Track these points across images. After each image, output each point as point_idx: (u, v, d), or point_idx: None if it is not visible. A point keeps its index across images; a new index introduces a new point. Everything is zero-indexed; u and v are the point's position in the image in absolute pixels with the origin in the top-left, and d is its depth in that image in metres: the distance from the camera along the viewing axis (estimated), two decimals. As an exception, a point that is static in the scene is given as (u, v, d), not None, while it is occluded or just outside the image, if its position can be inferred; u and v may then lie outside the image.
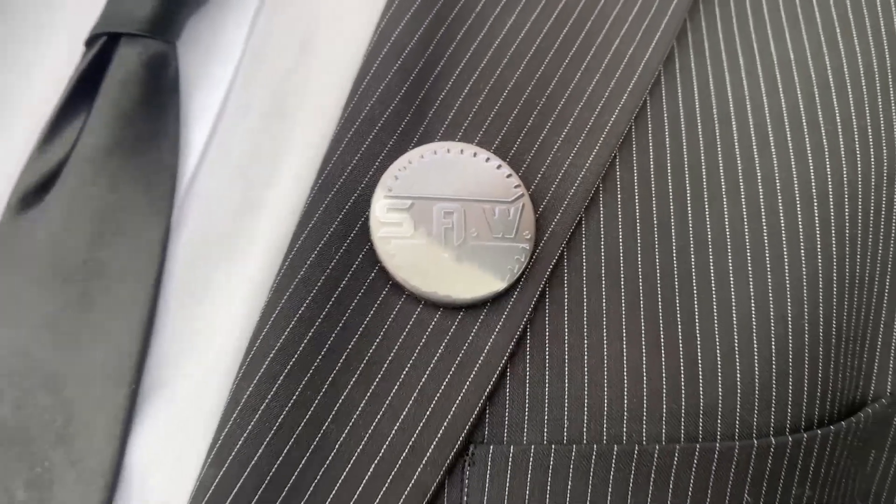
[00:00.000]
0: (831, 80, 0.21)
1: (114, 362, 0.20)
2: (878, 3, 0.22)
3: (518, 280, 0.19)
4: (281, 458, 0.18)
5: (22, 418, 0.20)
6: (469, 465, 0.18)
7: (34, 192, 0.21)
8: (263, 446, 0.18)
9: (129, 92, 0.21)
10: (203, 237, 0.21)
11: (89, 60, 0.21)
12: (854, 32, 0.22)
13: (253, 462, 0.18)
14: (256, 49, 0.24)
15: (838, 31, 0.22)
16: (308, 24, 0.24)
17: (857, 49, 0.22)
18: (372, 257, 0.19)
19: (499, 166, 0.20)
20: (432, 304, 0.19)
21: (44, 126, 0.21)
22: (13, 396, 0.20)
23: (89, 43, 0.22)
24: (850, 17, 0.22)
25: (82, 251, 0.20)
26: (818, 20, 0.22)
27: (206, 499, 0.18)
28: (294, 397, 0.18)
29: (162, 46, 0.22)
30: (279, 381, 0.18)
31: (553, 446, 0.18)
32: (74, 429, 0.20)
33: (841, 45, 0.21)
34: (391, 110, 0.20)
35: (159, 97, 0.22)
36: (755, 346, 0.19)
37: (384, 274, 0.19)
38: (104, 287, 0.20)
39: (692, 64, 0.22)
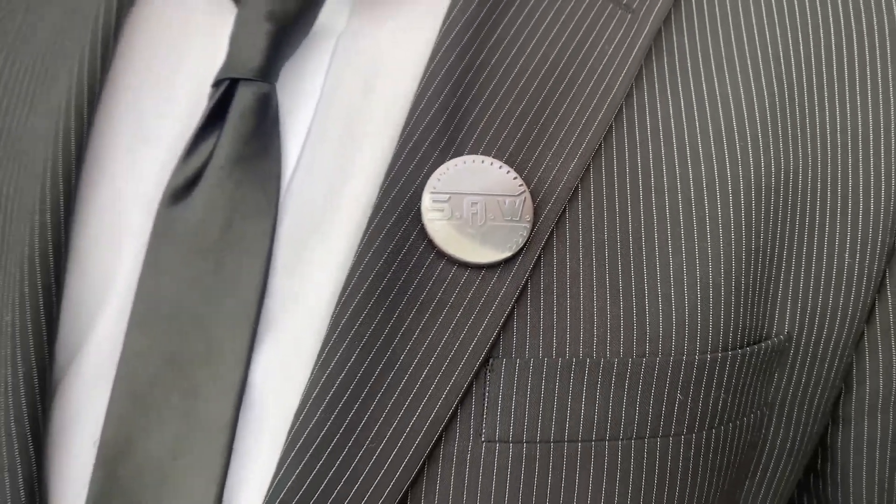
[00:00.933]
0: (744, 106, 0.29)
1: (240, 309, 0.28)
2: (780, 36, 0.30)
3: (521, 249, 0.28)
4: (364, 367, 0.26)
5: (179, 347, 0.28)
6: (490, 371, 0.26)
7: (182, 190, 0.29)
8: (352, 360, 0.26)
9: (247, 120, 0.30)
10: (299, 224, 0.30)
11: (217, 97, 0.30)
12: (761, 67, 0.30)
13: (346, 368, 0.26)
14: (330, 89, 0.32)
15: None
16: (368, 70, 0.32)
17: (763, 82, 0.30)
18: (423, 234, 0.27)
19: (508, 172, 0.28)
20: (463, 265, 0.27)
21: (187, 142, 0.30)
22: (172, 331, 0.28)
23: (216, 84, 0.31)
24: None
25: (216, 232, 0.29)
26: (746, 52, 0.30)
27: (314, 394, 0.26)
28: (372, 326, 0.26)
29: (267, 87, 0.31)
30: (362, 316, 0.26)
31: (546, 359, 0.26)
32: (214, 355, 0.28)
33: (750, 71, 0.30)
34: (435, 132, 0.28)
35: (266, 124, 0.30)
36: (686, 296, 0.27)
37: (431, 245, 0.27)
38: (232, 257, 0.29)
39: (646, 99, 0.30)
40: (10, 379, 0.27)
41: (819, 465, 0.32)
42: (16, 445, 0.26)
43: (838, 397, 0.31)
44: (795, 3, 0.31)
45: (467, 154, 0.28)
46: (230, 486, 0.27)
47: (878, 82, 0.30)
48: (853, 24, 0.30)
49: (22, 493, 0.26)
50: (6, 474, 0.26)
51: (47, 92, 0.32)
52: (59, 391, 0.29)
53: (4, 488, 0.26)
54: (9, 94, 0.33)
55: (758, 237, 0.28)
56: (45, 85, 0.32)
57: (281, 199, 0.30)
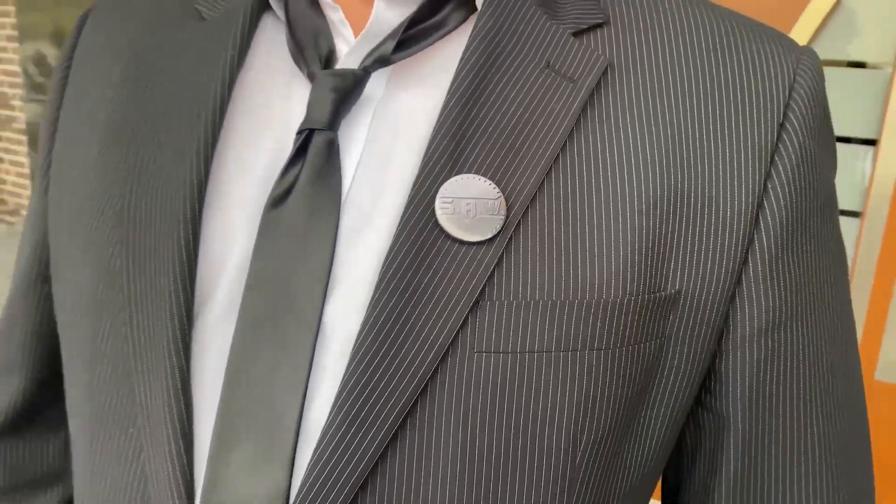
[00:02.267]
0: (647, 143, 0.43)
1: (317, 274, 0.42)
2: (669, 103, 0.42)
3: (498, 233, 0.39)
4: (399, 307, 0.37)
5: (277, 300, 0.42)
6: (479, 308, 0.39)
7: (278, 200, 0.42)
8: (391, 304, 0.33)
9: (320, 155, 0.43)
10: (353, 220, 0.42)
11: (301, 140, 0.44)
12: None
13: (387, 309, 0.35)
14: (372, 135, 0.45)
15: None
16: (397, 122, 0.45)
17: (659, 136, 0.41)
18: (436, 224, 0.39)
19: (490, 184, 0.41)
20: (462, 242, 0.40)
21: (281, 168, 0.43)
22: (273, 289, 0.42)
23: (300, 132, 0.43)
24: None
25: (302, 226, 0.43)
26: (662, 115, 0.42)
27: (367, 327, 0.37)
28: (405, 281, 0.38)
29: (332, 134, 0.44)
30: (398, 275, 0.39)
31: (516, 300, 0.40)
32: (299, 304, 0.41)
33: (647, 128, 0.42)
34: (442, 162, 0.40)
35: (332, 158, 0.44)
36: (611, 262, 0.40)
37: (441, 230, 0.39)
38: (312, 242, 0.43)
39: (583, 138, 0.42)
40: (168, 318, 0.41)
41: (710, 384, 0.44)
42: (174, 358, 0.39)
43: (721, 336, 0.43)
44: (679, 85, 0.42)
45: (464, 173, 0.41)
46: (310, 392, 0.40)
47: (728, 133, 0.41)
48: (716, 94, 0.42)
49: (178, 389, 0.40)
50: (168, 379, 0.40)
51: (177, 131, 0.44)
52: (194, 331, 0.41)
53: (168, 387, 0.40)
54: (142, 130, 0.45)
55: (656, 226, 0.41)
56: (173, 126, 0.44)
57: (342, 205, 0.44)
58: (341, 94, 0.42)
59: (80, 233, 0.45)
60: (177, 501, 0.37)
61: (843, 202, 1.61)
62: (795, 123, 0.41)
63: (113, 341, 0.42)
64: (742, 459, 0.44)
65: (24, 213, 4.83)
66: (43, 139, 0.51)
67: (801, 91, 0.41)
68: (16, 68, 4.51)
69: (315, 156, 0.41)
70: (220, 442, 0.38)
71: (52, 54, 2.97)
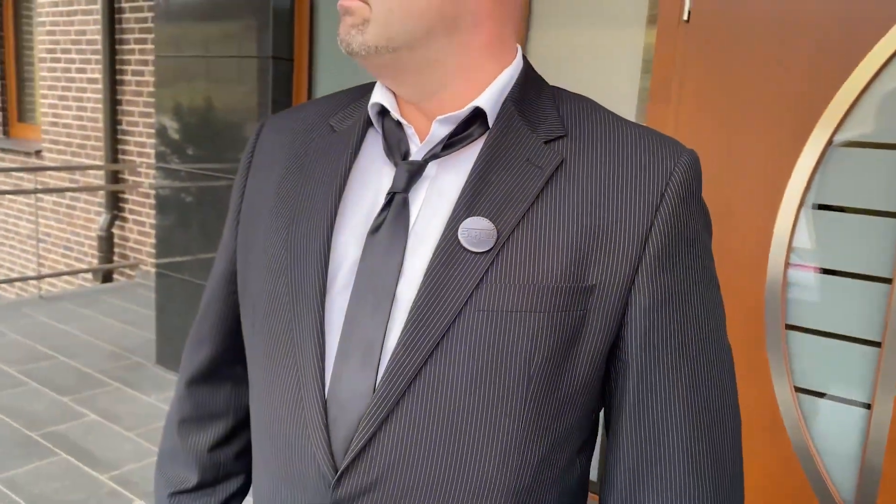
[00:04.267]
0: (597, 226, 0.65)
1: (393, 268, 0.63)
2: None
3: (491, 248, 0.61)
4: (437, 284, 0.61)
5: (373, 283, 0.64)
6: (483, 283, 0.61)
7: (375, 229, 0.65)
8: (433, 284, 0.64)
9: (399, 206, 0.65)
10: (414, 241, 0.64)
11: (388, 198, 0.66)
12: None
13: (428, 287, 0.62)
14: (427, 195, 0.66)
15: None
16: (440, 187, 0.66)
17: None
18: (458, 242, 0.61)
19: (488, 222, 0.62)
20: (471, 252, 0.61)
21: (377, 213, 0.68)
22: (370, 278, 0.64)
23: (389, 194, 0.66)
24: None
25: (386, 244, 0.64)
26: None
27: (420, 298, 0.69)
28: (441, 272, 0.62)
29: (406, 195, 0.65)
30: (438, 269, 0.62)
31: (506, 281, 0.62)
32: (383, 283, 0.64)
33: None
34: (464, 208, 0.63)
35: (404, 208, 0.65)
36: (560, 269, 0.66)
37: (461, 246, 0.61)
38: (392, 252, 0.64)
39: (545, 196, 0.63)
40: (313, 293, 0.66)
41: (618, 342, 0.66)
42: (316, 314, 0.65)
43: (624, 311, 0.65)
44: (604, 171, 0.65)
45: (475, 216, 0.64)
46: (387, 331, 0.63)
47: (631, 198, 0.64)
48: (626, 176, 0.65)
49: (319, 330, 0.66)
50: (314, 326, 0.65)
51: (320, 192, 0.70)
52: (326, 299, 0.67)
53: (313, 330, 0.65)
54: (299, 192, 0.72)
55: (583, 247, 0.62)
56: (318, 190, 0.70)
57: (409, 233, 0.66)
58: (412, 173, 0.68)
59: (261, 247, 0.74)
60: (317, 391, 0.67)
61: (873, 268, 1.80)
62: (670, 195, 0.66)
63: (280, 309, 0.72)
64: (636, 393, 0.67)
65: (143, 267, 5.39)
66: (234, 201, 0.82)
67: (676, 177, 0.66)
68: (144, 140, 5.15)
69: (395, 206, 0.68)
70: (340, 357, 0.66)
71: (173, 127, 3.43)
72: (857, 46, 1.84)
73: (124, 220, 5.46)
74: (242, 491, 0.91)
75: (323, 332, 0.67)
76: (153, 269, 5.24)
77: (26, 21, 6.28)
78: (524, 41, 2.47)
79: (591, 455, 0.75)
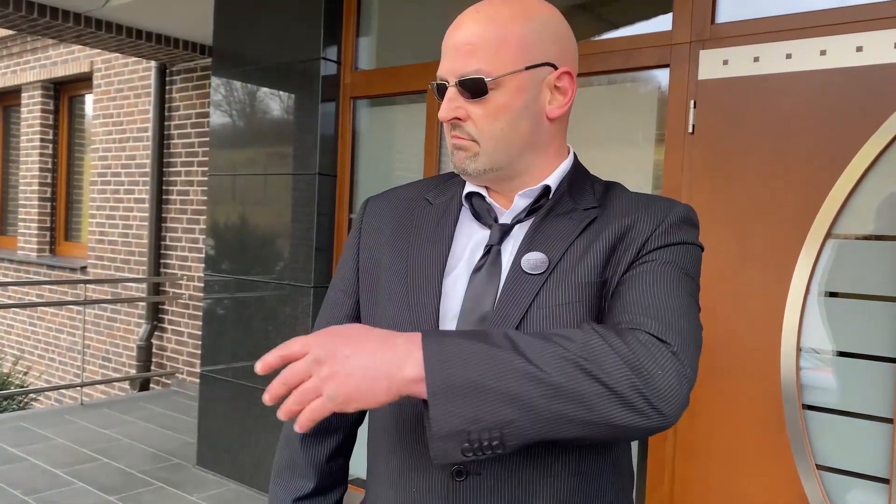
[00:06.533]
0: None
1: (491, 295, 0.94)
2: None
3: (544, 271, 0.93)
4: (513, 296, 0.94)
5: (476, 309, 0.94)
6: (537, 297, 0.92)
7: (476, 270, 0.95)
8: (509, 294, 0.93)
9: (494, 255, 0.95)
10: (504, 278, 0.95)
11: (487, 248, 0.97)
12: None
13: (509, 298, 0.93)
14: (511, 247, 0.96)
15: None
16: (519, 239, 0.98)
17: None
18: (521, 268, 0.93)
19: (542, 255, 0.94)
20: (530, 274, 0.92)
21: (476, 260, 0.98)
22: (473, 304, 0.95)
23: (487, 246, 0.97)
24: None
25: (486, 280, 0.95)
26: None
27: (501, 302, 0.92)
28: (513, 288, 0.93)
29: (499, 247, 0.96)
30: (511, 287, 0.93)
31: (554, 291, 0.92)
32: (485, 306, 0.94)
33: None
34: (526, 246, 0.95)
35: (499, 256, 0.95)
36: (591, 273, 0.92)
37: (523, 271, 0.92)
38: (490, 285, 0.94)
39: (586, 231, 0.95)
40: (431, 283, 0.96)
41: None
42: (435, 298, 0.95)
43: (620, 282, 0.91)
44: (621, 224, 0.94)
45: (533, 251, 0.94)
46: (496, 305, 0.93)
47: (641, 226, 0.93)
48: (640, 214, 0.95)
49: (435, 315, 0.94)
50: (432, 313, 0.94)
51: (428, 254, 0.99)
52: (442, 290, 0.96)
53: (431, 315, 0.93)
54: (407, 257, 1.00)
55: (610, 260, 0.92)
56: (423, 253, 0.99)
57: (502, 272, 0.95)
58: (503, 233, 0.98)
59: (384, 284, 1.01)
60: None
61: (879, 349, 1.96)
62: (668, 220, 0.94)
63: (403, 321, 0.97)
64: (626, 286, 0.91)
65: (179, 376, 5.57)
66: (349, 250, 1.08)
67: (675, 211, 0.96)
68: (186, 254, 5.46)
69: (492, 255, 0.97)
70: (460, 322, 0.94)
71: (222, 238, 3.68)
72: (845, 150, 2.09)
73: (163, 330, 5.71)
74: (342, 498, 1.11)
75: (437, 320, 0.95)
76: (188, 378, 5.44)
77: (78, 148, 6.81)
78: (548, 154, 2.76)
79: (630, 449, 1.00)
